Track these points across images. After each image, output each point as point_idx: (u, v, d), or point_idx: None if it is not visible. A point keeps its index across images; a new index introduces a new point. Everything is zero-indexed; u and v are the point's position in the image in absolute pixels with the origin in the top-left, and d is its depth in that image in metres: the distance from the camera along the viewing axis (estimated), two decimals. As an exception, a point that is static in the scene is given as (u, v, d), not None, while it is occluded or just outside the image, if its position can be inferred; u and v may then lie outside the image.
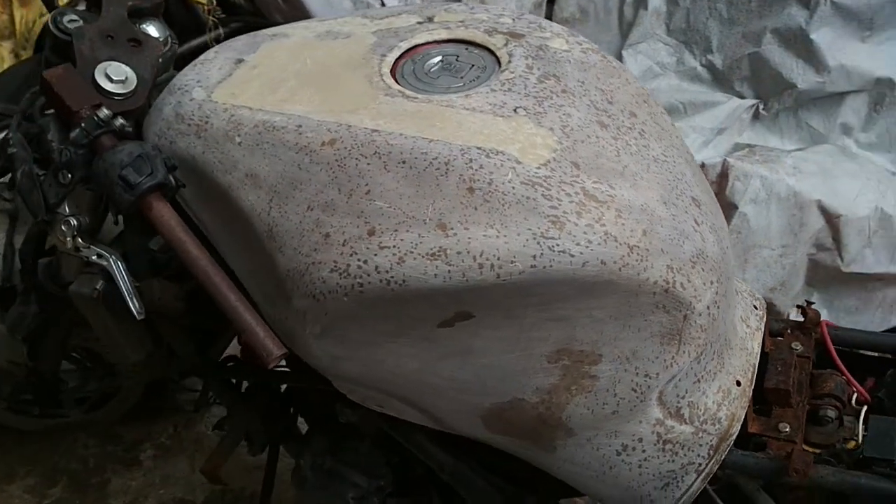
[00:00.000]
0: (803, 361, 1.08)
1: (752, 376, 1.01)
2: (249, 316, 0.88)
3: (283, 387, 1.39)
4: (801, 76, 2.28)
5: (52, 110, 0.95)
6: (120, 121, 0.92)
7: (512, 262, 0.80)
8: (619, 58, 2.42)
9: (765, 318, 1.10)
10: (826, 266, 2.15)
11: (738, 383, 1.00)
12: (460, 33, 0.98)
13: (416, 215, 0.81)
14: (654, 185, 0.89)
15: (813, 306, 1.14)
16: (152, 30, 1.06)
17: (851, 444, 1.03)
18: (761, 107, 2.32)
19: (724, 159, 2.13)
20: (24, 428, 1.74)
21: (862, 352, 1.14)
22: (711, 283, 0.92)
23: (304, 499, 1.36)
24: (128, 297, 0.94)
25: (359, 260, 0.81)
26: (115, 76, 0.95)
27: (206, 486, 1.85)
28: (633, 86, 0.99)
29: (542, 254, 0.80)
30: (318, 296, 0.84)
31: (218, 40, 1.37)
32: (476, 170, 0.81)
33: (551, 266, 0.81)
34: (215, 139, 0.93)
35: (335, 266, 0.82)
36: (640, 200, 0.86)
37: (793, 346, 1.10)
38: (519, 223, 0.80)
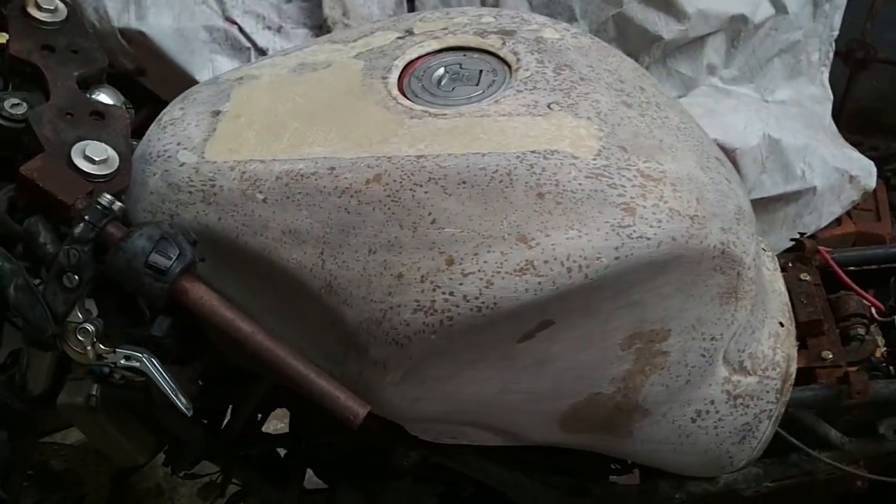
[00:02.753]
0: (818, 289, 1.13)
1: (790, 315, 1.05)
2: (324, 381, 0.81)
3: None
4: (665, 27, 2.38)
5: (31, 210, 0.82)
6: (118, 204, 0.82)
7: (598, 258, 0.78)
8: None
9: (775, 258, 1.14)
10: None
11: (782, 324, 1.03)
12: (451, 41, 0.94)
13: (493, 233, 0.77)
14: (689, 154, 0.90)
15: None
16: (105, 97, 0.95)
17: (878, 353, 1.10)
18: (633, 63, 2.43)
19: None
20: None
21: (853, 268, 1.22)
22: (752, 234, 0.94)
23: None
24: (173, 396, 0.84)
25: (444, 293, 0.77)
26: (96, 156, 0.83)
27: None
28: (628, 61, 0.99)
29: (622, 244, 0.79)
30: (401, 340, 0.79)
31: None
32: (539, 174, 0.78)
33: (632, 254, 0.80)
34: (231, 202, 0.84)
35: (418, 305, 0.77)
36: (685, 170, 0.87)
37: (801, 277, 1.16)
38: (595, 218, 0.78)
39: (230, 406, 1.13)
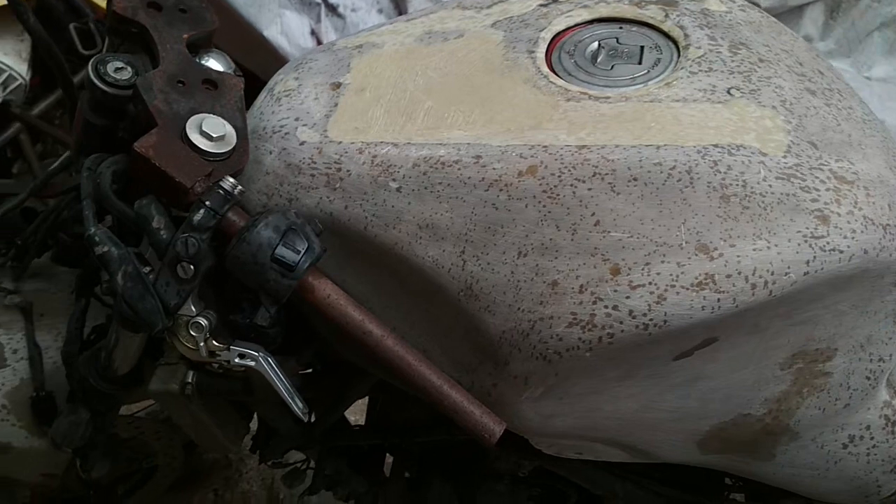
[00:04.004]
0: None
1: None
2: (458, 394, 0.73)
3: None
4: (764, -7, 2.24)
5: (145, 192, 0.74)
6: (240, 188, 0.73)
7: (786, 273, 0.68)
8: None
9: None
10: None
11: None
12: (604, 10, 0.83)
13: (669, 241, 0.67)
14: (877, 151, 0.78)
15: None
16: (215, 63, 0.85)
17: None
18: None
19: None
20: None
21: None
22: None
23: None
24: (290, 400, 0.76)
25: (605, 307, 0.67)
26: (214, 132, 0.75)
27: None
28: (801, 41, 0.87)
29: (814, 257, 0.68)
30: (550, 356, 0.70)
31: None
32: (725, 173, 0.68)
33: (822, 269, 0.69)
34: (360, 189, 0.75)
35: (574, 318, 0.67)
36: (876, 171, 0.75)
37: None
38: (787, 227, 0.68)
39: (329, 397, 1.06)
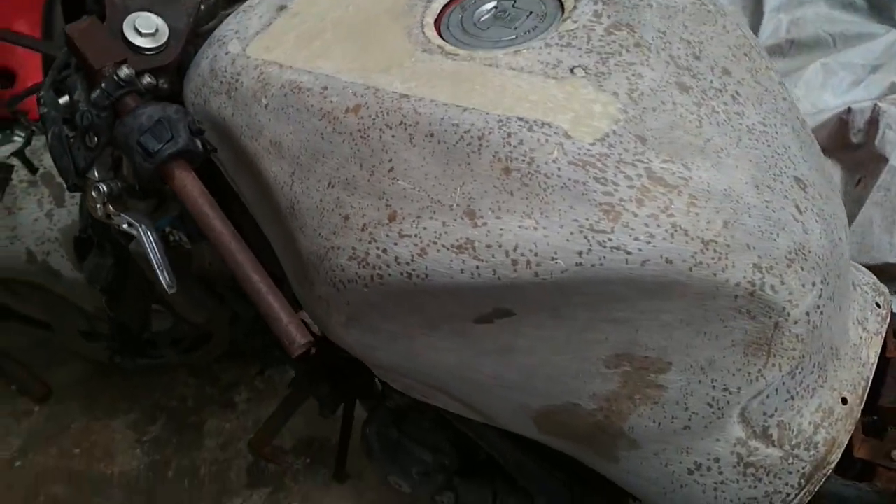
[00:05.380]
0: (933, 374, 0.88)
1: (864, 393, 0.84)
2: (273, 299, 0.80)
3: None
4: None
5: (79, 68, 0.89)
6: (147, 79, 0.85)
7: (553, 258, 0.67)
8: (759, -20, 2.14)
9: (889, 318, 0.90)
10: None
11: (845, 401, 0.82)
12: (524, -28, 0.83)
13: (442, 199, 0.69)
14: (745, 163, 0.72)
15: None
16: None
17: None
18: (927, 42, 1.99)
19: (876, 103, 1.84)
20: (121, 366, 1.80)
21: None
22: (814, 284, 0.75)
23: (372, 464, 1.31)
24: (158, 271, 0.89)
25: (377, 248, 0.71)
26: (144, 29, 0.87)
27: (295, 434, 1.86)
28: (732, 35, 0.80)
29: (589, 250, 0.67)
30: (337, 284, 0.75)
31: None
32: (514, 146, 0.68)
33: (601, 264, 0.67)
34: (244, 100, 0.84)
35: (353, 253, 0.72)
36: (724, 183, 0.70)
37: (924, 353, 0.91)
38: (563, 212, 0.67)
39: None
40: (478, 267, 0.68)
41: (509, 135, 0.68)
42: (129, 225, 0.89)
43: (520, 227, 0.67)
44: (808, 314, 0.75)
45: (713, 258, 0.69)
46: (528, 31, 0.77)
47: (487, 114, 0.69)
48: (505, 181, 0.67)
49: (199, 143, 0.83)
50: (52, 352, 1.99)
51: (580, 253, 0.67)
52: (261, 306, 0.80)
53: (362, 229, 0.72)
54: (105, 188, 0.88)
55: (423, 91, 0.72)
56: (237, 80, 0.85)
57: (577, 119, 0.69)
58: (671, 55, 0.74)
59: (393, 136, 0.71)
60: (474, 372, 0.84)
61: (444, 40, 0.78)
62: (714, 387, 0.78)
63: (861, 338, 0.86)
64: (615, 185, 0.67)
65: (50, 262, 1.39)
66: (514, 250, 0.67)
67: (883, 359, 0.92)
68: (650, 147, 0.69)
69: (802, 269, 0.73)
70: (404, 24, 0.81)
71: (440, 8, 0.82)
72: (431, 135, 0.70)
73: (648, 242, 0.67)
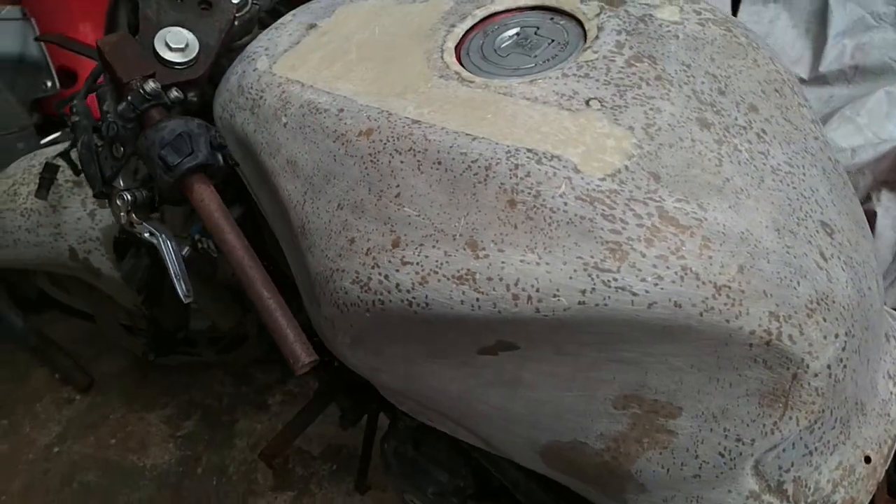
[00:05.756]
0: (975, 435, 0.83)
1: (890, 452, 0.79)
2: (281, 316, 0.80)
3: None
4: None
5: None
6: (175, 93, 0.86)
7: (555, 295, 0.65)
8: (824, 7, 2.06)
9: None
10: None
11: (868, 459, 0.78)
12: (550, -1, 0.81)
13: (446, 228, 0.68)
14: (766, 206, 0.69)
15: None
16: None
17: None
18: None
19: (941, 136, 1.75)
20: (154, 363, 1.83)
21: None
22: (837, 335, 0.71)
23: (388, 479, 1.31)
24: (175, 280, 0.90)
25: (380, 274, 0.70)
26: (175, 43, 0.88)
27: (324, 440, 1.87)
28: (762, 69, 0.77)
29: (593, 289, 0.64)
30: (341, 307, 0.74)
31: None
32: (521, 178, 0.66)
33: (605, 304, 0.65)
34: (266, 117, 0.84)
35: (357, 277, 0.72)
36: (741, 226, 0.67)
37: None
38: (567, 249, 0.65)
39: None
40: (478, 299, 0.66)
41: (517, 166, 0.66)
42: (150, 234, 0.91)
43: (522, 261, 0.65)
44: (829, 367, 0.71)
45: (726, 304, 0.66)
46: (548, 60, 0.75)
47: (496, 144, 0.68)
48: (509, 214, 0.66)
49: (220, 157, 0.84)
50: (98, 344, 2.05)
51: (583, 291, 0.65)
52: (268, 323, 0.80)
53: (366, 253, 0.71)
54: (129, 197, 0.90)
55: (435, 118, 0.71)
56: (261, 97, 0.86)
57: (588, 153, 0.67)
58: (694, 89, 0.72)
59: (402, 162, 0.70)
60: (480, 403, 0.82)
61: (463, 66, 0.77)
62: (726, 436, 0.75)
63: (892, 393, 0.81)
64: (624, 223, 0.65)
65: (91, 259, 1.43)
66: (516, 285, 0.65)
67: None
68: (664, 185, 0.66)
69: (825, 319, 0.70)
70: (425, 49, 0.80)
71: (462, 33, 0.81)
72: (439, 163, 0.69)
73: (656, 284, 0.64)
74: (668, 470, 0.79)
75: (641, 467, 0.79)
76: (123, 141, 0.86)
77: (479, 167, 0.67)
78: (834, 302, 0.70)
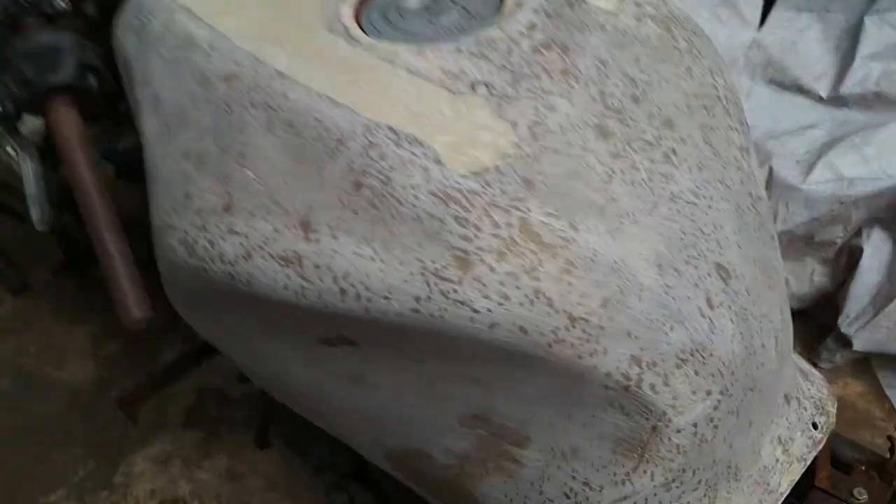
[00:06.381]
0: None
1: (759, 527, 0.72)
2: (119, 263, 0.74)
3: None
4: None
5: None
6: (61, 3, 0.78)
7: (385, 297, 0.57)
8: (859, 25, 1.91)
9: (823, 441, 0.77)
10: None
11: (732, 530, 0.71)
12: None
13: (282, 201, 0.59)
14: (652, 236, 0.60)
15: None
16: None
17: None
18: None
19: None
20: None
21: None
22: (709, 392, 0.63)
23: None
24: (30, 203, 0.82)
25: (206, 239, 0.62)
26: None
27: (246, 386, 1.81)
28: (695, 81, 0.67)
29: (429, 297, 0.56)
30: (170, 265, 0.67)
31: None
32: (373, 159, 0.57)
33: (442, 317, 0.57)
34: (148, 44, 0.75)
35: (184, 238, 0.64)
36: (616, 254, 0.58)
37: (856, 492, 0.77)
38: (407, 248, 0.56)
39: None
40: (303, 287, 0.59)
41: (371, 145, 0.58)
42: (14, 150, 0.83)
43: (355, 252, 0.57)
44: (695, 425, 0.64)
45: (580, 338, 0.58)
46: (449, 31, 0.66)
47: (357, 115, 0.59)
48: (353, 197, 0.57)
49: (91, 80, 0.76)
50: (37, 248, 1.99)
51: (418, 298, 0.57)
52: (104, 268, 0.73)
53: (197, 213, 0.63)
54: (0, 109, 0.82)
55: (303, 74, 0.62)
56: (149, 21, 0.77)
57: (457, 144, 0.58)
58: (602, 91, 0.62)
59: (254, 117, 0.62)
60: (325, 393, 0.75)
61: (357, 22, 0.67)
62: (574, 477, 0.68)
63: (777, 461, 0.74)
64: (477, 229, 0.56)
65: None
66: (344, 278, 0.57)
67: (814, 487, 0.80)
68: (535, 195, 0.58)
69: (696, 373, 0.62)
70: (327, -5, 0.70)
71: (375, -18, 0.71)
72: (291, 125, 0.60)
73: (500, 304, 0.56)
74: (510, 500, 0.72)
75: (485, 491, 0.72)
76: None
77: (331, 138, 0.59)
78: (712, 355, 0.62)
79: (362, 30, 0.66)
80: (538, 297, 0.56)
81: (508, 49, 0.62)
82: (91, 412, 1.73)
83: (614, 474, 0.66)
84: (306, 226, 0.58)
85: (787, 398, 0.76)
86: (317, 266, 0.58)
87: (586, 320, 0.57)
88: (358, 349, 0.66)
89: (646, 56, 0.66)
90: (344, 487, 1.17)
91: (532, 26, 0.64)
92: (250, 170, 0.61)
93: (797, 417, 0.76)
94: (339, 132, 0.58)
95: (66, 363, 1.81)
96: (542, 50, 0.63)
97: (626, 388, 0.60)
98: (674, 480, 0.66)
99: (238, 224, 0.60)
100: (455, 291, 0.56)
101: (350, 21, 0.67)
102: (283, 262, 0.58)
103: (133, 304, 0.71)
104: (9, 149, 0.83)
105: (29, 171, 0.82)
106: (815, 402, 0.78)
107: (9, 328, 1.87)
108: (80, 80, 0.75)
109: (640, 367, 0.60)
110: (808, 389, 0.79)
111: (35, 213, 0.83)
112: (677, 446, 0.64)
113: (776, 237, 0.72)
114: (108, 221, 0.73)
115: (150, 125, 0.71)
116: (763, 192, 0.70)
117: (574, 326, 0.57)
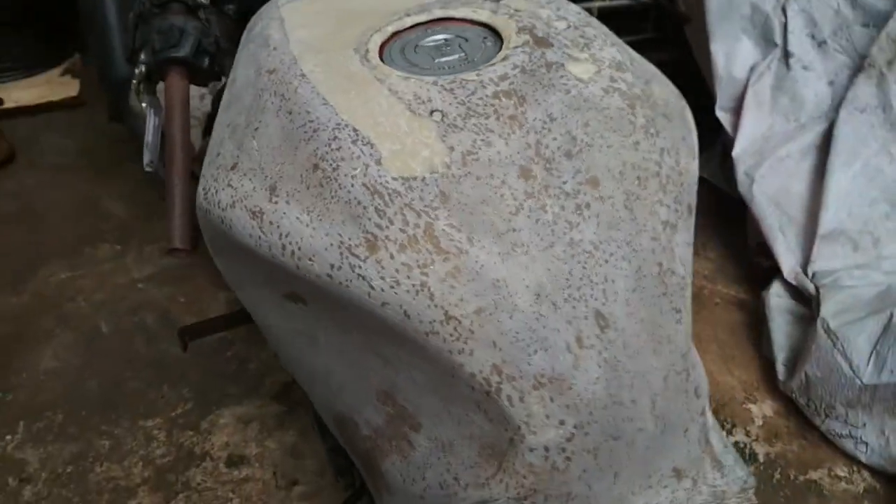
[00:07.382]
0: None
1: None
2: (179, 197, 0.93)
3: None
4: None
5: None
6: None
7: (310, 259, 0.71)
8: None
9: None
10: None
11: (577, 565, 0.76)
12: (500, 21, 0.84)
13: (265, 168, 0.76)
14: (539, 269, 0.69)
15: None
16: None
17: None
18: None
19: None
20: None
21: None
22: (562, 422, 0.70)
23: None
24: (145, 147, 1.05)
25: (216, 188, 0.80)
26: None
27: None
28: (639, 155, 0.75)
29: (340, 267, 0.70)
30: (201, 209, 0.85)
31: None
32: (332, 149, 0.72)
33: (347, 286, 0.70)
34: (248, 39, 0.95)
35: (206, 185, 0.82)
36: (500, 274, 0.68)
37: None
38: (334, 223, 0.70)
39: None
40: (260, 237, 0.74)
41: (336, 138, 0.73)
42: (145, 105, 1.07)
43: (297, 219, 0.72)
44: (547, 449, 0.71)
45: (451, 335, 0.68)
46: (442, 68, 0.79)
47: (336, 114, 0.74)
48: (309, 175, 0.72)
49: (206, 61, 0.98)
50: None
51: (332, 266, 0.70)
52: (168, 197, 0.93)
53: (218, 168, 0.81)
54: (138, 70, 1.06)
55: (318, 77, 0.79)
56: (256, 24, 0.98)
57: (400, 153, 0.71)
58: (539, 141, 0.73)
59: (272, 103, 0.79)
60: (295, 349, 0.90)
61: (381, 50, 0.83)
62: (448, 470, 0.77)
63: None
64: (390, 222, 0.69)
65: None
66: (287, 237, 0.72)
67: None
68: (447, 207, 0.69)
69: (552, 400, 0.69)
70: (370, 26, 0.87)
71: (408, 25, 0.87)
72: (290, 112, 0.77)
73: (392, 287, 0.68)
74: (403, 480, 0.82)
75: (388, 468, 0.83)
76: (145, 20, 1.02)
77: (310, 127, 0.74)
78: (570, 388, 0.69)
79: (380, 56, 0.82)
80: (423, 289, 0.68)
81: (473, 90, 0.75)
82: (208, 363, 1.98)
83: (478, 476, 0.74)
84: (273, 190, 0.74)
85: (677, 472, 0.79)
86: (271, 223, 0.73)
87: (459, 321, 0.68)
88: (308, 308, 0.80)
89: (597, 122, 0.75)
90: (351, 471, 1.28)
91: (504, 77, 0.76)
92: (256, 141, 0.78)
93: (686, 497, 0.79)
94: (316, 124, 0.74)
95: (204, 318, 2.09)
96: (502, 97, 0.74)
97: (488, 394, 0.69)
98: (525, 498, 0.73)
99: (234, 180, 0.77)
100: (360, 266, 0.69)
101: (374, 47, 0.83)
102: (251, 215, 0.74)
103: (177, 236, 0.90)
104: (144, 104, 1.08)
105: (151, 122, 1.06)
106: (715, 491, 0.81)
107: (172, 276, 2.19)
108: (195, 58, 0.97)
109: (499, 376, 0.68)
110: (715, 479, 0.82)
111: (146, 157, 1.06)
112: (530, 465, 0.71)
113: (686, 314, 0.76)
114: (181, 168, 0.93)
115: (225, 98, 0.91)
116: (681, 270, 0.76)
117: (448, 323, 0.68)
